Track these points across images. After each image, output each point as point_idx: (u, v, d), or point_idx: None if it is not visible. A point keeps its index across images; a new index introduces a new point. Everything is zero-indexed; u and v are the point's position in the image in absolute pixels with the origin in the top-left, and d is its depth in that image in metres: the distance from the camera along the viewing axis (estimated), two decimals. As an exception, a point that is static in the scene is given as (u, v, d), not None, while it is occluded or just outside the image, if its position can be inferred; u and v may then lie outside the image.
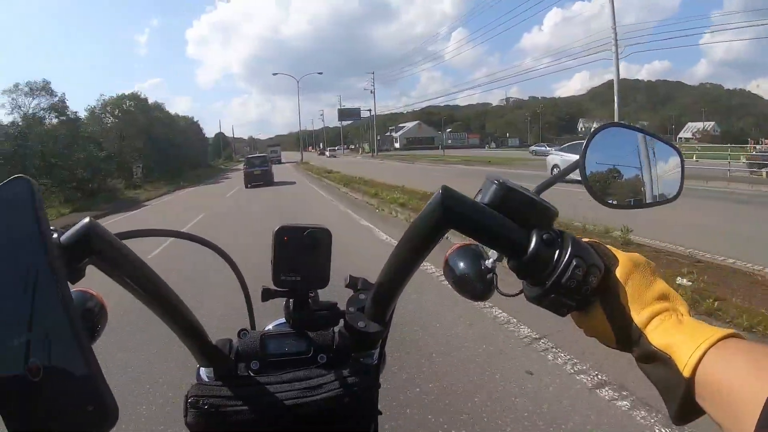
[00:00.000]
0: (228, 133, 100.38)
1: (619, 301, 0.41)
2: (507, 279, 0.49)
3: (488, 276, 0.48)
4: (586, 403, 2.29)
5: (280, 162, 49.34)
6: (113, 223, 11.65)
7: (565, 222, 5.75)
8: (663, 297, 0.41)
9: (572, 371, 2.60)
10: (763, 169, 13.79)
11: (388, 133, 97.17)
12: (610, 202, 0.53)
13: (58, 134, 20.82)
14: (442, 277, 0.54)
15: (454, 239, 0.77)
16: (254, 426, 0.49)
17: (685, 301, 0.42)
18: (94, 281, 0.50)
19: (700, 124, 72.23)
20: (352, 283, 0.56)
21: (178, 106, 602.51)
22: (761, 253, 4.63)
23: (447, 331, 3.27)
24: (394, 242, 0.47)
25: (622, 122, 0.58)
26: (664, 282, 0.43)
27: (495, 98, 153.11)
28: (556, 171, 9.36)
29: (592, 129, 0.53)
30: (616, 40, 20.96)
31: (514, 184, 0.45)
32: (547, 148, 37.08)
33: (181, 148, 38.41)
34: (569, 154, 13.92)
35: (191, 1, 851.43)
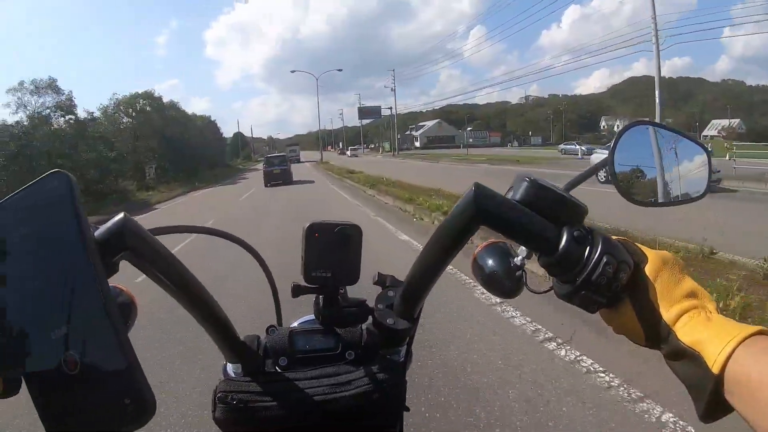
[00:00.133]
0: (247, 133, 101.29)
1: (648, 298, 0.42)
2: (533, 277, 0.48)
3: (517, 273, 0.47)
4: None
5: (299, 161, 50.01)
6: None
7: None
8: (692, 294, 0.41)
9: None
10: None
11: (408, 132, 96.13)
12: (637, 199, 0.53)
13: (64, 134, 20.11)
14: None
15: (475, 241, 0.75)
16: (283, 421, 0.49)
17: (713, 299, 0.42)
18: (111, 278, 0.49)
19: (725, 121, 69.85)
20: (381, 280, 0.57)
21: (196, 106, 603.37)
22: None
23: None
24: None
25: (650, 120, 0.58)
26: (692, 279, 0.43)
27: (514, 96, 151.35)
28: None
29: (620, 127, 0.53)
30: (656, 30, 19.70)
31: (544, 181, 0.45)
32: (576, 146, 36.08)
33: (197, 147, 37.65)
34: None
35: (209, 2, 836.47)
